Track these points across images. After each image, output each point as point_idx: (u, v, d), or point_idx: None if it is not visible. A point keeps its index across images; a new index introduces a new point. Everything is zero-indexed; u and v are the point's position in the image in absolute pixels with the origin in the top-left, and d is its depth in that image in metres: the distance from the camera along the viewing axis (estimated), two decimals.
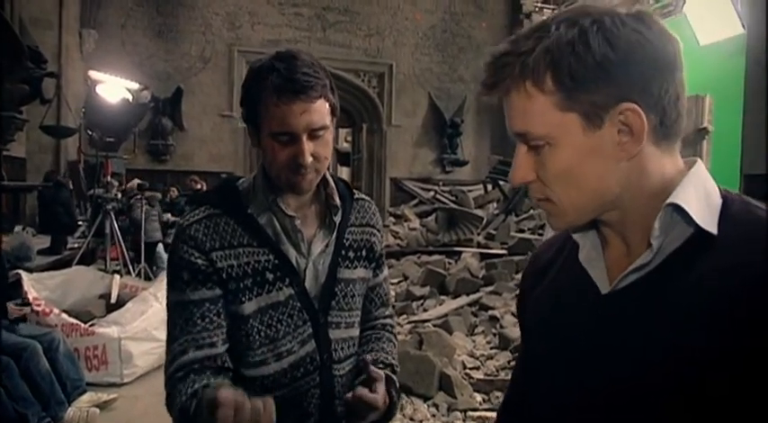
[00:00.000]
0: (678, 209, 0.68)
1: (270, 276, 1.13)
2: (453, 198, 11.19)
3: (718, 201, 0.70)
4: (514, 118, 0.72)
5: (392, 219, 11.68)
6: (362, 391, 1.09)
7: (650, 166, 0.70)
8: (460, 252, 7.28)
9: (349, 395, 1.10)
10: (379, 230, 1.32)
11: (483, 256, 6.98)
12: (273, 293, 1.14)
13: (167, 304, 1.16)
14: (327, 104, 1.11)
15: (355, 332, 1.26)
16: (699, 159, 0.73)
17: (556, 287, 0.84)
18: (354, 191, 1.31)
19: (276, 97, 1.07)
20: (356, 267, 1.24)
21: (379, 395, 1.10)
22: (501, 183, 9.77)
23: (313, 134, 1.09)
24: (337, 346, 1.20)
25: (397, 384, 1.22)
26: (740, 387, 0.61)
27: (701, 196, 0.69)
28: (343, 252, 1.22)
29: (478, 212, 8.78)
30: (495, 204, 10.26)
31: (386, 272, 1.36)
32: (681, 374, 0.64)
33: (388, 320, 1.38)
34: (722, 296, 0.63)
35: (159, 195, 8.02)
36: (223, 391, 0.86)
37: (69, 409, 3.35)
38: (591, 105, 0.68)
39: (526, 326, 0.91)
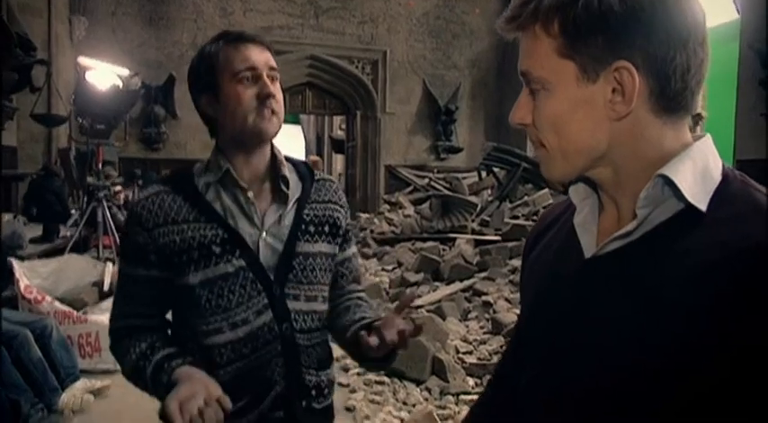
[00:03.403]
0: (669, 181, 0.67)
1: (217, 250, 1.18)
2: (448, 185, 11.20)
3: (717, 178, 0.69)
4: (521, 56, 0.73)
5: (387, 206, 11.68)
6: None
7: (646, 133, 0.69)
8: (455, 238, 7.27)
9: (375, 342, 1.11)
10: (342, 207, 1.36)
11: (477, 243, 6.97)
12: (221, 266, 1.18)
13: (118, 269, 1.32)
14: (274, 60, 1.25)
15: (319, 307, 1.28)
16: (708, 135, 0.71)
17: (548, 250, 0.84)
18: (317, 172, 1.36)
19: (237, 43, 1.21)
20: (317, 241, 1.27)
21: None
22: (495, 169, 9.78)
23: (270, 74, 1.22)
24: (298, 317, 1.24)
25: None
26: (709, 360, 0.60)
27: (697, 171, 0.68)
28: (303, 226, 1.26)
29: (473, 199, 8.77)
30: (489, 191, 10.27)
31: (354, 248, 1.41)
32: (652, 347, 0.63)
33: (362, 294, 1.41)
34: (701, 272, 0.62)
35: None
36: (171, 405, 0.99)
37: (63, 395, 3.34)
38: (588, 57, 0.68)
39: (522, 289, 0.91)
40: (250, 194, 1.22)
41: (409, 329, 1.11)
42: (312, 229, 1.27)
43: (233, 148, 1.24)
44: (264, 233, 1.22)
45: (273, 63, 1.23)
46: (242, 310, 1.19)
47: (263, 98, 1.18)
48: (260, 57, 1.21)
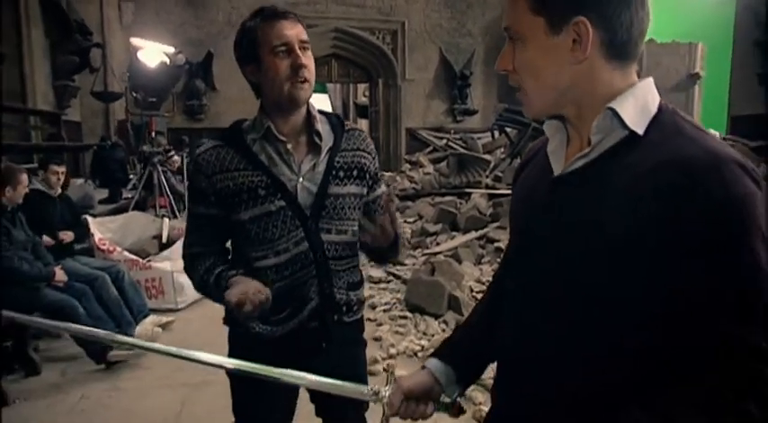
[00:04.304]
0: (616, 113, 0.77)
1: (262, 193, 1.32)
2: (464, 144, 11.20)
3: (654, 110, 0.79)
4: (504, 15, 0.84)
5: (408, 165, 11.77)
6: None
7: (599, 75, 0.79)
8: (470, 193, 7.35)
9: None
10: (369, 153, 1.46)
11: (490, 196, 7.03)
12: (266, 205, 1.32)
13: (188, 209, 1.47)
14: (305, 31, 1.34)
15: (349, 238, 1.41)
16: (650, 78, 0.82)
17: (529, 177, 0.96)
18: (347, 123, 1.46)
19: (272, 20, 1.30)
20: (346, 184, 1.39)
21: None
22: (507, 129, 9.75)
23: (302, 46, 1.31)
24: (330, 246, 1.37)
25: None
26: (643, 243, 0.72)
27: (638, 105, 0.78)
28: (334, 172, 1.37)
29: (487, 157, 8.79)
30: (502, 149, 10.26)
31: (383, 187, 1.51)
32: (604, 247, 0.74)
33: None
34: (635, 181, 0.74)
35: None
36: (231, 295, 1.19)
37: (137, 327, 3.62)
38: (554, 13, 0.78)
39: (510, 210, 1.01)
40: (289, 146, 1.34)
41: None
42: (342, 173, 1.38)
43: (274, 108, 1.34)
44: (301, 178, 1.34)
45: (304, 36, 1.32)
46: (283, 241, 1.33)
47: (296, 68, 1.29)
48: (292, 32, 1.30)
